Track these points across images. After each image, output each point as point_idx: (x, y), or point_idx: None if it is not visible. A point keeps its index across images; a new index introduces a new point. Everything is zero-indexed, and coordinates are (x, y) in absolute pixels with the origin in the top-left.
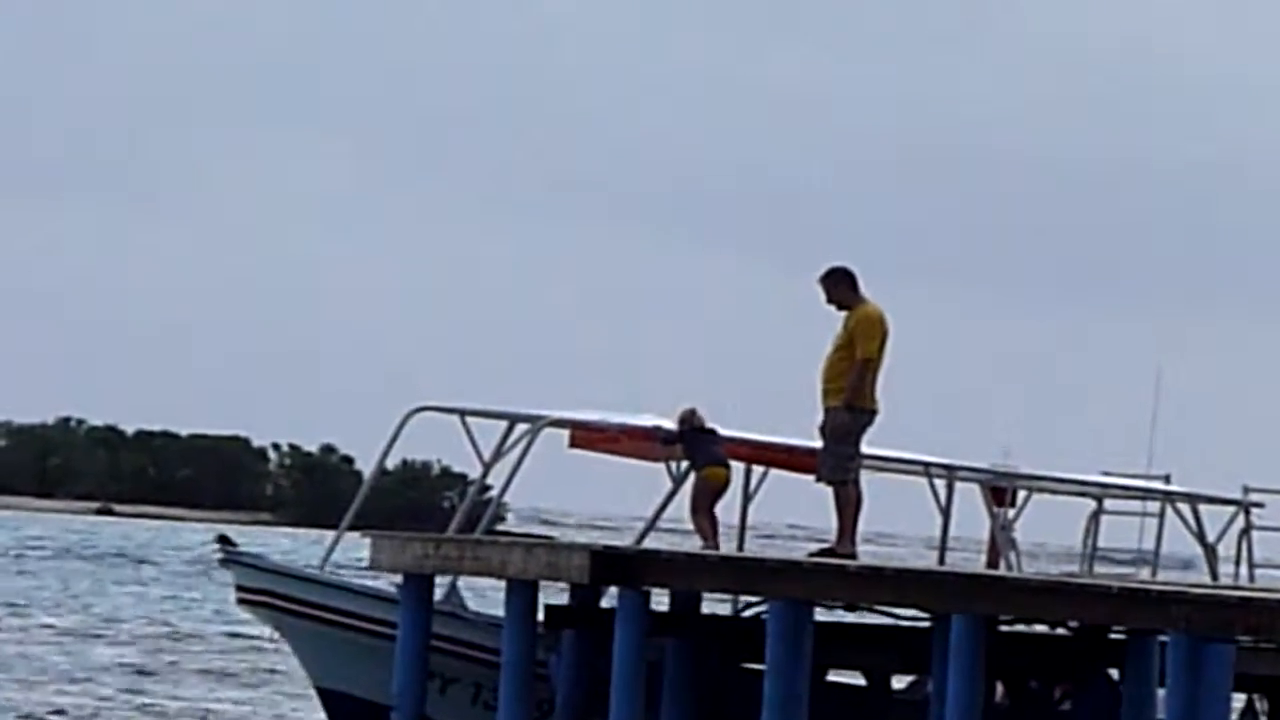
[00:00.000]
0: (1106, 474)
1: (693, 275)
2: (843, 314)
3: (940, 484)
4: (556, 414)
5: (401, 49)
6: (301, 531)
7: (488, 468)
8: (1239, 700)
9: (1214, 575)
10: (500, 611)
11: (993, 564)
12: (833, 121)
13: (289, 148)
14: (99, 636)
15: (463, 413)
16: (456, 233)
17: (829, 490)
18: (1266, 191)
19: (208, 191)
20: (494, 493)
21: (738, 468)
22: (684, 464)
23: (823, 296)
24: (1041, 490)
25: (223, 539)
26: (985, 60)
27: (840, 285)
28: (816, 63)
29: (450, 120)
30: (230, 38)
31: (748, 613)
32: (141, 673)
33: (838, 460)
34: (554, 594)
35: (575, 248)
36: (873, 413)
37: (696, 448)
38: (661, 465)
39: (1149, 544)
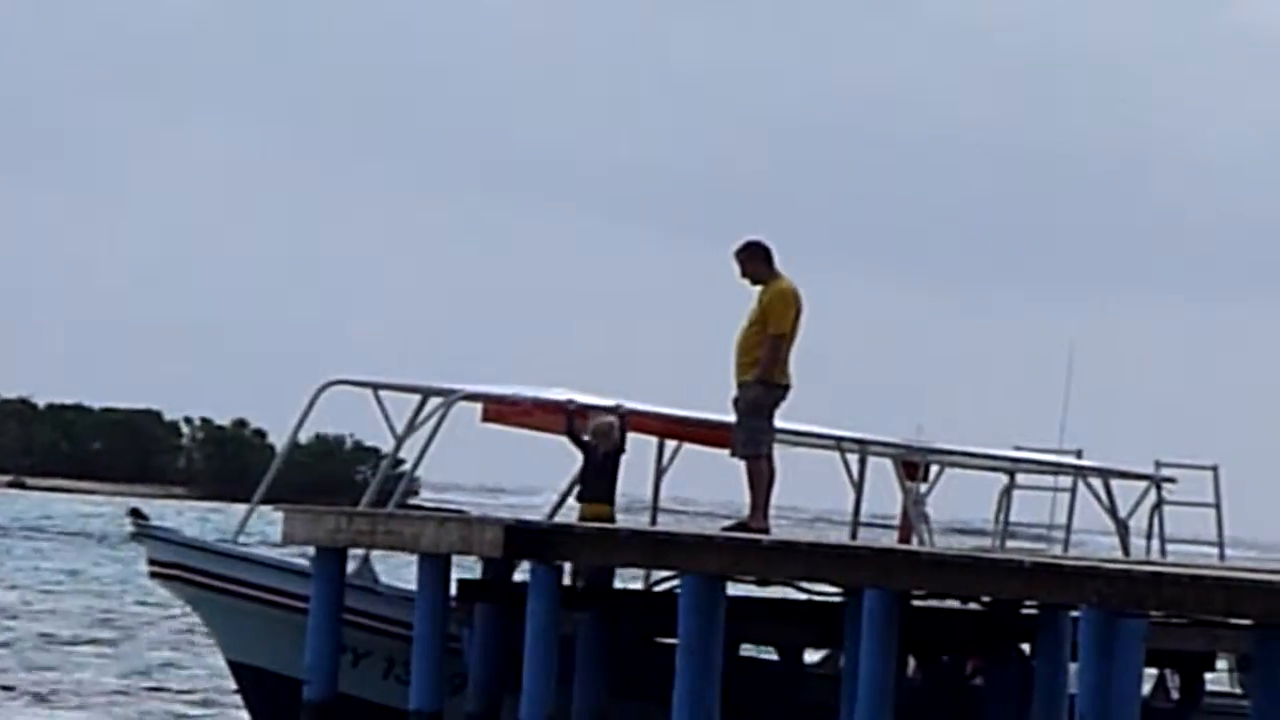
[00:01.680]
0: (1019, 449)
1: (611, 251)
2: (757, 289)
3: (853, 459)
4: (469, 388)
5: (338, 29)
6: (214, 505)
7: (400, 442)
8: (1150, 675)
9: (1126, 550)
10: (413, 585)
11: (905, 539)
12: (751, 102)
13: (214, 124)
14: (13, 612)
15: (375, 386)
16: (378, 210)
17: (742, 465)
18: (1181, 174)
19: (121, 166)
20: (407, 467)
21: (651, 441)
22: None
23: (737, 270)
24: (954, 465)
25: (135, 512)
26: (905, 41)
27: (754, 260)
28: (733, 41)
29: (384, 101)
30: (160, 16)
31: (661, 587)
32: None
33: (750, 435)
34: (467, 568)
35: (494, 226)
36: (786, 387)
37: (589, 474)
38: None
39: (1061, 519)
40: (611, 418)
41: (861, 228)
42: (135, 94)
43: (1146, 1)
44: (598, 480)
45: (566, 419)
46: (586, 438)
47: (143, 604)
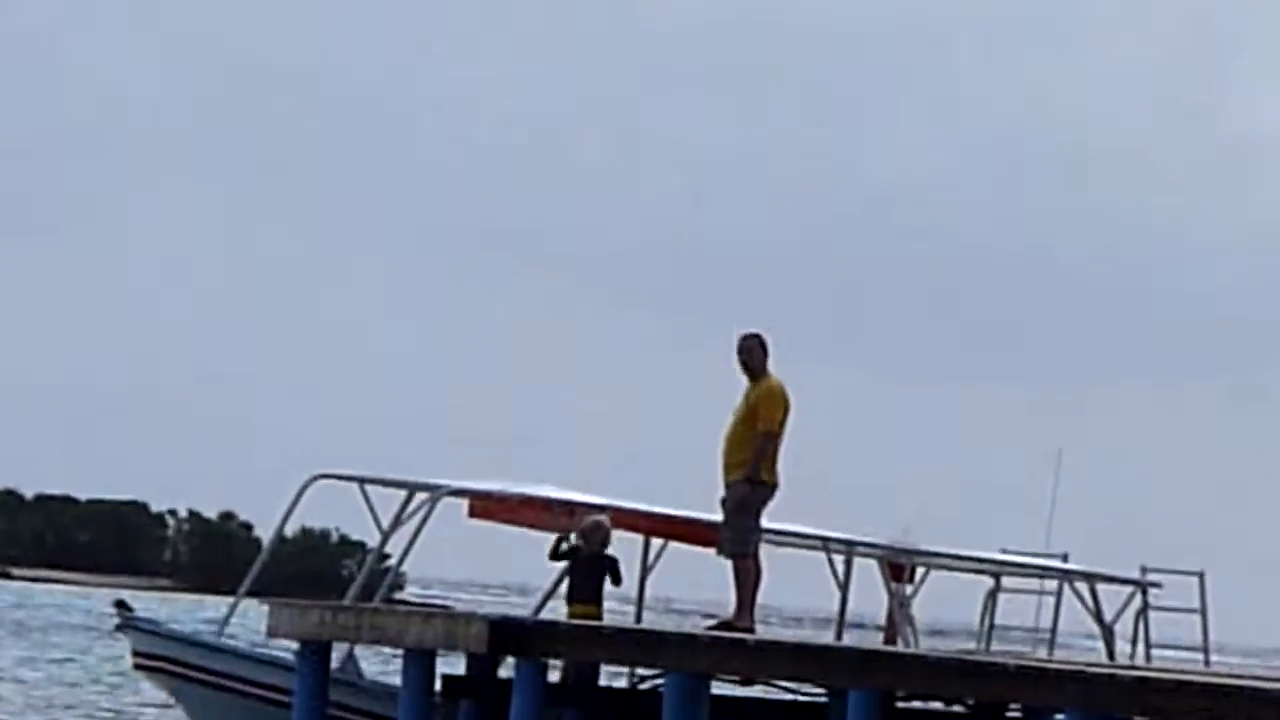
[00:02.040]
0: (1005, 551)
1: (598, 340)
2: (745, 384)
3: (839, 559)
4: (455, 484)
5: (304, 101)
6: (200, 597)
7: (386, 536)
8: None
9: (1111, 654)
10: (397, 680)
11: (891, 640)
12: (748, 188)
13: (200, 202)
14: None
15: (362, 481)
16: (362, 299)
17: (728, 563)
18: (1165, 277)
19: (106, 251)
20: (392, 561)
21: (636, 540)
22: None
23: (736, 357)
24: (940, 567)
25: (120, 604)
26: (896, 131)
27: (757, 352)
28: (730, 125)
29: (357, 183)
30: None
31: (645, 685)
32: None
33: (738, 533)
34: (452, 664)
35: (481, 311)
36: (774, 487)
37: (575, 576)
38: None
39: (1046, 622)
40: (600, 516)
41: (854, 324)
42: (132, 180)
43: (1141, 104)
44: (585, 581)
45: (555, 534)
46: (573, 542)
47: (126, 694)
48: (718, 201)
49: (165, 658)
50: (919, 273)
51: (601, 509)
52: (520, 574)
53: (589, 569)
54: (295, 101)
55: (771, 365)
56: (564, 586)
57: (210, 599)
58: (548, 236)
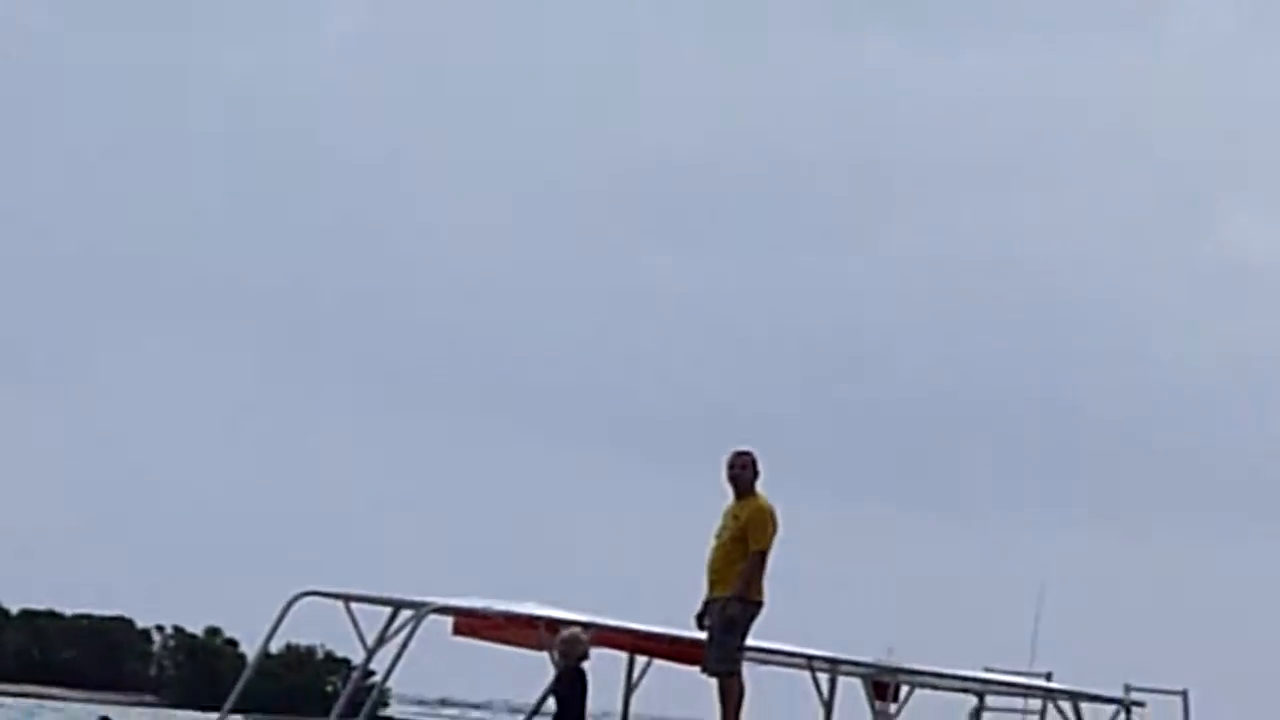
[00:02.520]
0: (989, 670)
1: (576, 471)
2: (727, 503)
3: (823, 677)
4: (440, 600)
5: (314, 247)
6: (184, 713)
7: (371, 653)
8: None
9: None
10: None
11: None
12: (722, 326)
13: (174, 341)
14: None
15: (347, 598)
16: (352, 423)
17: (713, 682)
18: (1155, 401)
19: (81, 371)
20: (377, 678)
21: (621, 658)
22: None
23: (727, 472)
24: (924, 685)
25: None
26: (872, 271)
27: (750, 469)
28: (699, 262)
29: (357, 317)
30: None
31: None
32: None
33: (725, 652)
34: None
35: (456, 441)
36: (761, 605)
37: (560, 698)
38: (545, 654)
39: None
40: (578, 629)
41: (834, 448)
42: (106, 306)
43: (1126, 230)
44: (568, 700)
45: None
46: (559, 656)
47: None
48: (684, 326)
49: None
50: (899, 397)
51: (585, 625)
52: (505, 691)
53: (570, 685)
54: (269, 251)
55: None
56: (550, 704)
57: (195, 715)
58: (529, 377)
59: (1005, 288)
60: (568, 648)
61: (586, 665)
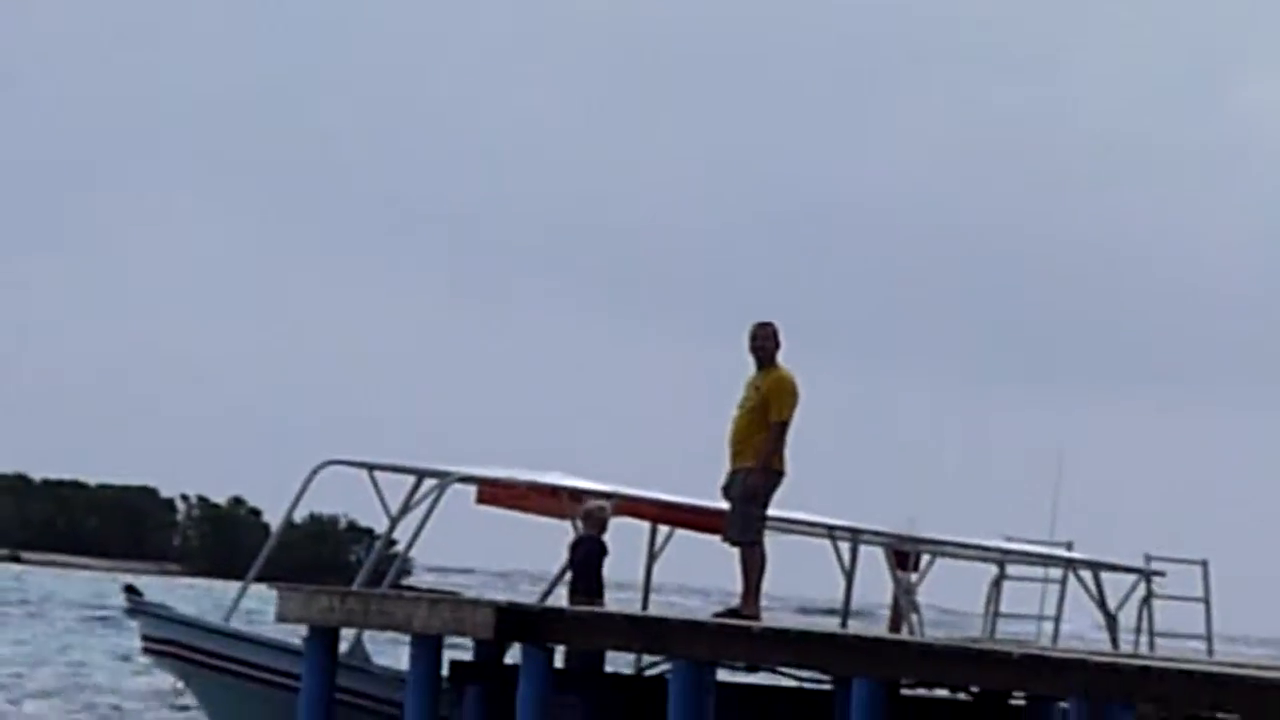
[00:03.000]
0: (1010, 540)
1: (603, 341)
2: (749, 374)
3: (845, 547)
4: (464, 470)
5: (300, 101)
6: (208, 582)
7: (394, 522)
8: None
9: (1115, 643)
10: (405, 665)
11: (895, 628)
12: (748, 190)
13: (213, 202)
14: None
15: (371, 467)
16: (377, 291)
17: (735, 551)
18: (1172, 275)
19: (116, 242)
20: (400, 547)
21: (643, 527)
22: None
23: (750, 344)
24: (945, 555)
25: (129, 589)
26: (894, 129)
27: (771, 341)
28: (733, 131)
29: (384, 182)
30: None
31: (650, 671)
32: None
33: (745, 521)
34: (460, 649)
35: (479, 307)
36: (782, 475)
37: (577, 569)
38: (568, 523)
39: (1051, 610)
40: (603, 501)
41: (858, 317)
42: (138, 174)
43: (1144, 92)
44: (587, 574)
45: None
46: (582, 525)
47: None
48: (711, 202)
49: (174, 642)
50: (923, 268)
51: (608, 496)
52: (528, 560)
53: (589, 561)
54: (293, 101)
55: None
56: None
57: (219, 584)
58: (548, 236)
59: (1026, 151)
60: (590, 517)
61: (607, 536)
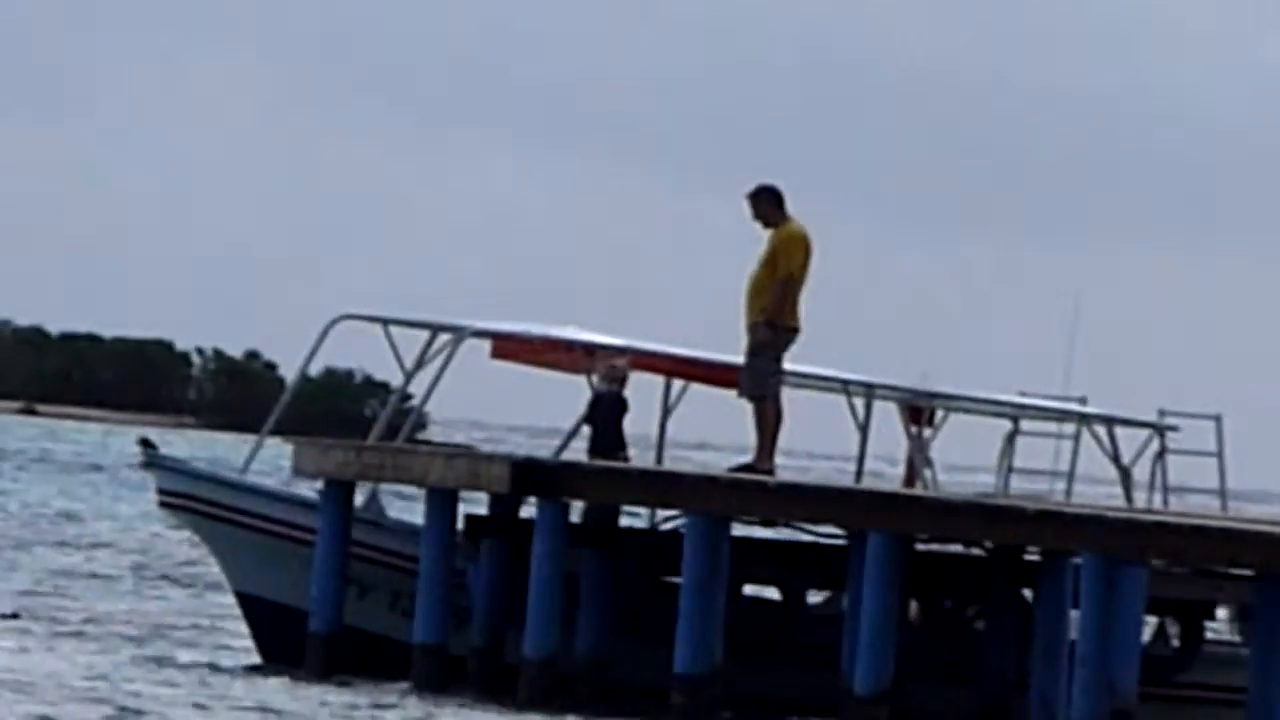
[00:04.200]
0: (1023, 395)
1: (619, 195)
2: (767, 232)
3: (859, 402)
4: (479, 324)
5: None
6: (225, 436)
7: (409, 376)
8: (1151, 623)
9: (1128, 499)
10: (420, 520)
11: (910, 483)
12: (751, 43)
13: (211, 63)
14: (19, 541)
15: (386, 321)
16: (382, 146)
17: (749, 406)
18: (1189, 127)
19: (124, 96)
20: (416, 401)
21: (657, 381)
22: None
23: (749, 213)
24: (958, 410)
25: (144, 442)
26: None
27: (765, 203)
28: None
29: (383, 38)
30: None
31: (665, 526)
32: (68, 574)
33: (757, 375)
34: (475, 504)
35: (496, 166)
36: (794, 330)
37: (598, 424)
38: (583, 378)
39: (1064, 466)
40: (622, 360)
41: (868, 171)
42: (136, 27)
43: None
44: (608, 430)
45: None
46: (603, 380)
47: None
48: (726, 56)
49: (190, 495)
50: (935, 118)
51: (623, 350)
52: (544, 416)
53: (609, 415)
54: None
55: (792, 209)
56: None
57: (235, 438)
58: (550, 101)
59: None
60: (609, 372)
61: (626, 392)
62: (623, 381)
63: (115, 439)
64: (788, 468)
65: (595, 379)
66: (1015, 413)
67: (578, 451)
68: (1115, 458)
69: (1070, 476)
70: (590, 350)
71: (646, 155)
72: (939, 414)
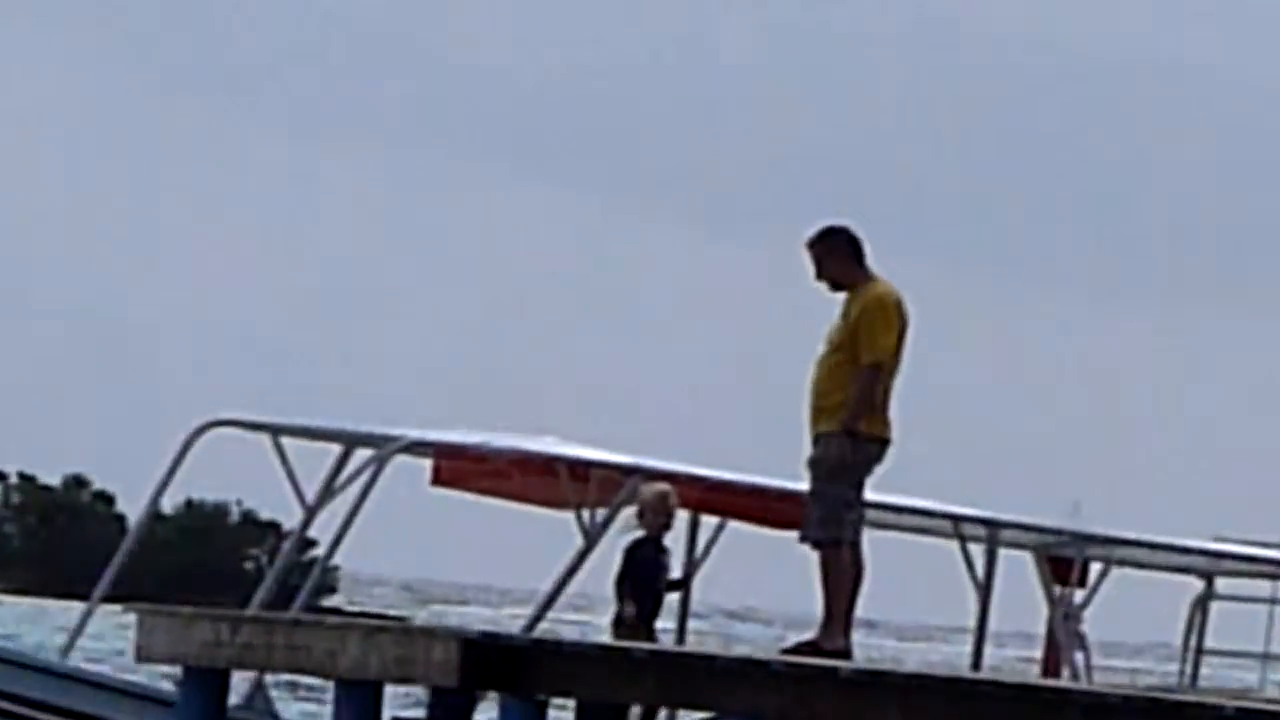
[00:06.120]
0: (1220, 540)
1: (633, 249)
2: (841, 297)
3: (977, 549)
4: (413, 433)
5: None
6: (37, 602)
7: (311, 514)
8: None
9: None
10: None
11: (1052, 668)
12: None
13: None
14: None
15: (275, 430)
16: (280, 181)
17: (814, 554)
18: None
19: None
20: (320, 551)
21: (682, 518)
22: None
23: (811, 270)
24: (1124, 563)
25: None
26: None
27: (837, 253)
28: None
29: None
30: None
31: None
32: None
33: (830, 509)
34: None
35: (474, 210)
36: (884, 441)
37: (636, 587)
38: (570, 514)
39: (1278, 643)
40: (664, 485)
41: (984, 223)
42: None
43: None
44: (643, 596)
45: (563, 509)
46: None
47: None
48: (756, 90)
49: None
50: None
51: (630, 471)
52: (510, 573)
53: (649, 569)
54: None
55: (876, 267)
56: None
57: (53, 604)
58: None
59: None
60: (654, 505)
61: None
62: (667, 522)
63: None
64: (870, 646)
65: (587, 515)
66: (1209, 566)
67: (561, 623)
68: None
69: (1264, 656)
70: (579, 472)
71: (667, 202)
72: (1095, 567)
